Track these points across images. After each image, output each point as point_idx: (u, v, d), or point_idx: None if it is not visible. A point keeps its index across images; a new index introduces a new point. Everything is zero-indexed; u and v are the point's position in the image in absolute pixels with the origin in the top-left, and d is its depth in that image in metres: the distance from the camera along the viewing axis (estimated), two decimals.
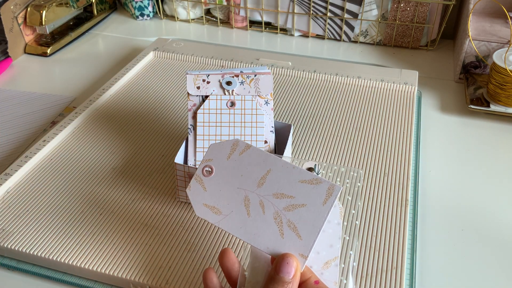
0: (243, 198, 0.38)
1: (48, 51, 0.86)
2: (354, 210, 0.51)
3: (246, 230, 0.37)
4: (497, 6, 0.78)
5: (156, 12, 1.02)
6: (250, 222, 0.37)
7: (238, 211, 0.37)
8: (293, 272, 0.34)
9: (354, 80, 0.73)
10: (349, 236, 0.49)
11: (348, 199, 0.52)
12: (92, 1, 0.96)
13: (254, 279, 0.37)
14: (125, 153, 0.60)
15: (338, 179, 0.49)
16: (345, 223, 0.50)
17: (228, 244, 0.48)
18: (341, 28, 0.89)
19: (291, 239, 0.35)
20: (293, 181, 0.37)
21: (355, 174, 0.47)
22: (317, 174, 0.49)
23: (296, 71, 0.75)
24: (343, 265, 0.45)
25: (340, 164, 0.58)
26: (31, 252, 0.47)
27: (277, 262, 0.35)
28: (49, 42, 0.88)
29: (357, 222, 0.51)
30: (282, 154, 0.53)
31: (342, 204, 0.53)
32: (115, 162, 0.58)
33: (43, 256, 0.47)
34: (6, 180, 0.54)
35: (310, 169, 0.49)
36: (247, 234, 0.37)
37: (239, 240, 0.49)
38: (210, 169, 0.39)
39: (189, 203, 0.52)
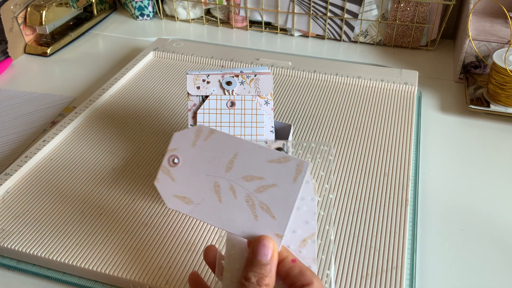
0: (212, 184, 0.37)
1: (48, 51, 0.86)
2: (327, 184, 0.51)
3: (219, 217, 0.36)
4: (497, 6, 0.78)
5: (156, 12, 1.02)
6: (222, 208, 0.36)
7: (209, 198, 0.37)
8: (270, 253, 0.34)
9: (354, 80, 0.73)
10: (324, 211, 0.48)
11: (321, 174, 0.51)
12: (92, 1, 0.96)
13: (232, 266, 0.36)
14: (125, 153, 0.60)
15: (309, 155, 0.49)
16: (320, 199, 0.50)
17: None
18: (341, 28, 0.89)
19: (265, 220, 0.35)
20: (261, 161, 0.36)
21: (326, 148, 0.47)
22: (286, 153, 0.49)
23: (296, 71, 0.75)
24: (324, 256, 0.45)
25: (337, 162, 0.58)
26: (31, 252, 0.47)
27: (253, 245, 0.35)
28: (49, 42, 0.88)
29: (331, 196, 0.51)
30: None
31: (316, 180, 0.53)
32: (115, 162, 0.58)
33: (43, 256, 0.47)
34: (6, 180, 0.54)
35: (278, 149, 0.49)
36: (221, 220, 0.36)
37: None
38: (176, 159, 0.38)
39: None
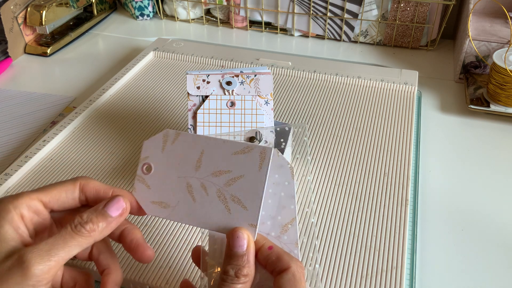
0: (185, 185, 0.37)
1: (48, 51, 0.86)
2: (305, 166, 0.51)
3: (195, 216, 0.37)
4: (497, 6, 0.78)
5: (156, 12, 1.02)
6: (197, 207, 0.37)
7: (184, 199, 0.37)
8: (245, 244, 0.34)
9: (354, 80, 0.73)
10: (302, 194, 0.48)
11: (297, 157, 0.51)
12: (92, 1, 0.96)
13: (215, 261, 0.37)
14: (125, 153, 0.60)
15: (282, 140, 0.49)
16: (297, 182, 0.50)
17: None
18: (341, 28, 0.89)
19: (238, 212, 0.36)
20: (227, 155, 0.36)
21: (300, 130, 0.47)
22: (259, 141, 0.49)
23: (296, 71, 0.75)
24: (306, 239, 0.45)
25: (337, 162, 0.58)
26: None
27: (228, 239, 0.35)
28: (49, 42, 0.88)
29: (309, 178, 0.51)
30: (282, 154, 0.53)
31: (293, 163, 0.53)
32: (115, 162, 0.58)
33: None
34: (6, 180, 0.54)
35: (252, 138, 0.49)
36: (197, 219, 0.37)
37: None
38: (149, 167, 0.39)
39: None
